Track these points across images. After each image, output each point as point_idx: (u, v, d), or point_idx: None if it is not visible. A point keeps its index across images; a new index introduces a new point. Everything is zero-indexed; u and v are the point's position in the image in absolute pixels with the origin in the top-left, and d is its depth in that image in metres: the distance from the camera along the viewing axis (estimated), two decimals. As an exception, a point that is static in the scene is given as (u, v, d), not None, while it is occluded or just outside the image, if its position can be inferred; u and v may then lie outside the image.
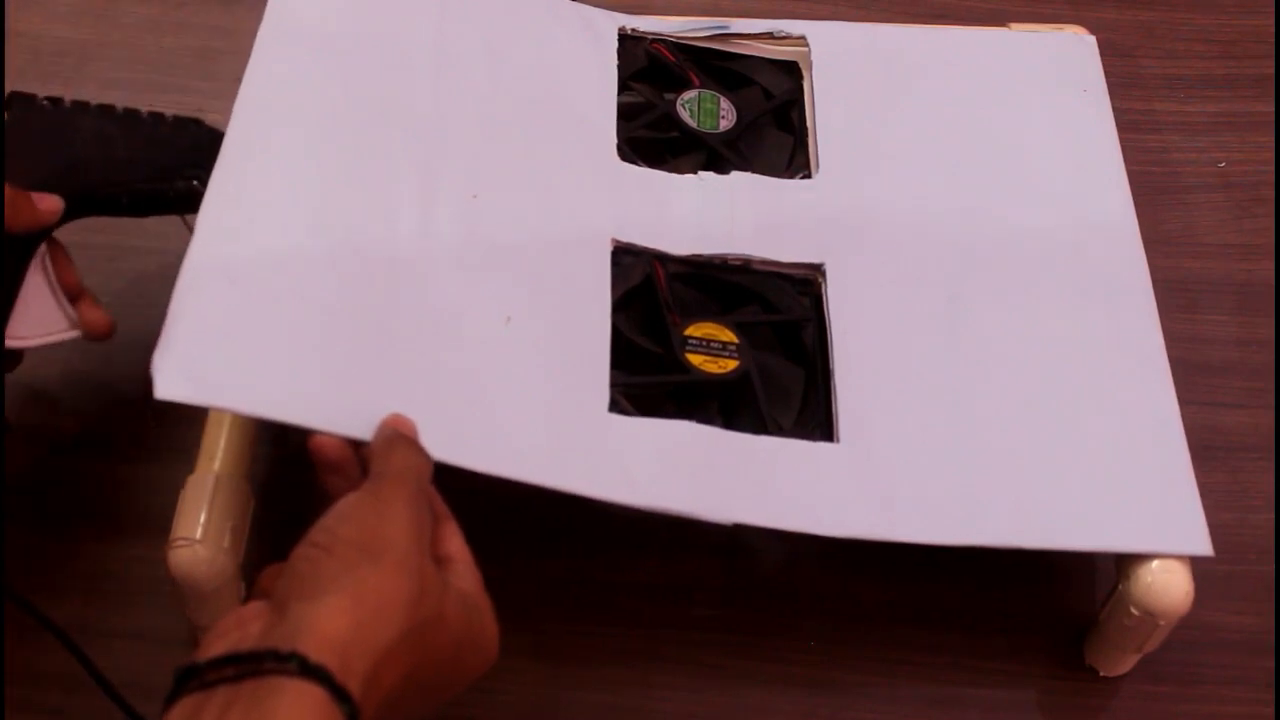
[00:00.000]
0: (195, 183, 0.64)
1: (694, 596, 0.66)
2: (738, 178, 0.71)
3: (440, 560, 0.49)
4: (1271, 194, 0.82)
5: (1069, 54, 0.78)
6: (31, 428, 0.69)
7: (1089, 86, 0.76)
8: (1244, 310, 0.78)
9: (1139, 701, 0.64)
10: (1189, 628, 0.61)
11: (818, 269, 0.68)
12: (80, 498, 0.68)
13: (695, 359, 0.65)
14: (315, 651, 0.41)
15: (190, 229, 0.58)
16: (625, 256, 0.67)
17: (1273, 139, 0.85)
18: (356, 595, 0.44)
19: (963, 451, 0.62)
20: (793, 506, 0.60)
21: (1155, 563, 0.60)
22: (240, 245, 0.58)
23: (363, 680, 0.42)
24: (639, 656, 0.64)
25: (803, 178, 0.72)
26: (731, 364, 0.65)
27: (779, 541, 0.62)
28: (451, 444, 0.54)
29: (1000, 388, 0.65)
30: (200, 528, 0.58)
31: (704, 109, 0.74)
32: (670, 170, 0.71)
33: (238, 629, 0.44)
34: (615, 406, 0.62)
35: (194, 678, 0.42)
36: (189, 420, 0.62)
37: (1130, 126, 0.79)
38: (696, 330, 0.66)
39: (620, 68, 0.75)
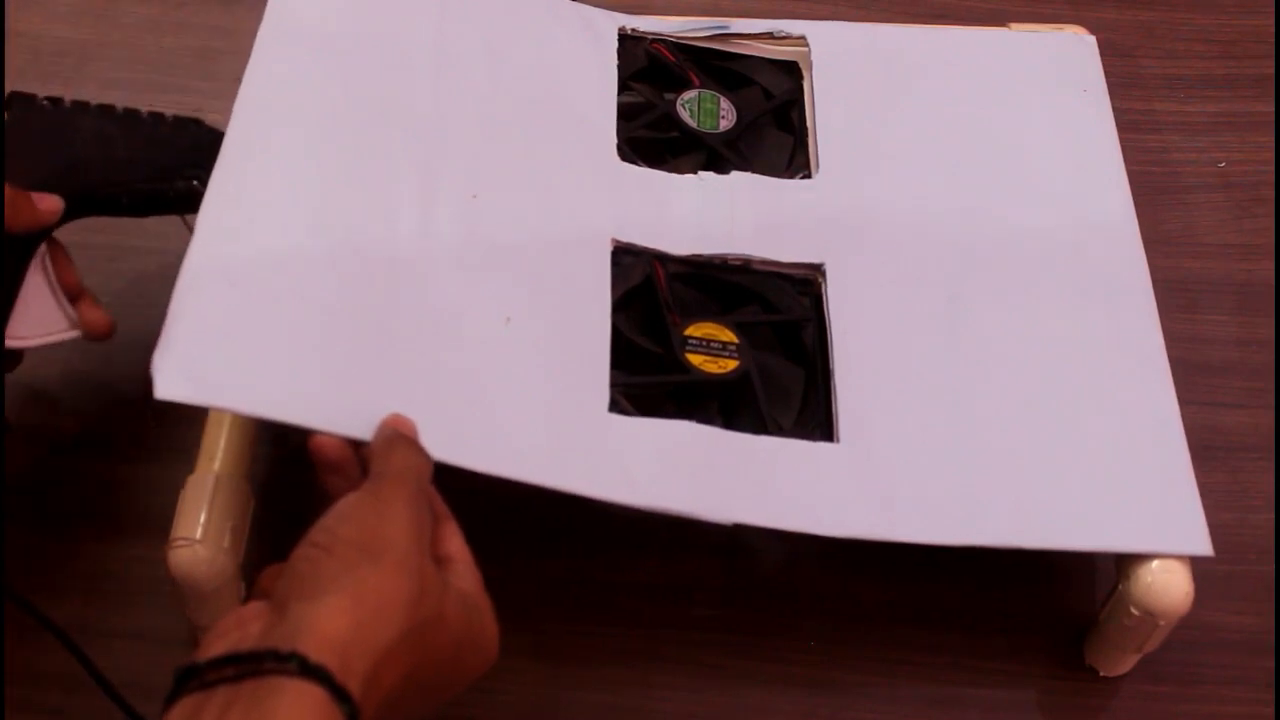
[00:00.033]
0: (195, 183, 0.64)
1: (694, 596, 0.66)
2: (738, 178, 0.71)
3: (440, 560, 0.49)
4: (1271, 194, 0.82)
5: (1069, 54, 0.78)
6: (31, 428, 0.69)
7: (1089, 86, 0.76)
8: (1244, 310, 0.78)
9: (1139, 701, 0.64)
10: (1189, 628, 0.61)
11: (818, 269, 0.68)
12: (80, 498, 0.68)
13: (695, 359, 0.65)
14: (315, 651, 0.41)
15: (190, 229, 0.58)
16: (625, 256, 0.67)
17: (1273, 139, 0.85)
18: (356, 595, 0.44)
19: (963, 451, 0.62)
20: (793, 506, 0.60)
21: (1155, 563, 0.60)
22: (240, 245, 0.58)
23: (363, 680, 0.42)
24: (639, 656, 0.64)
25: (803, 178, 0.72)
26: (731, 364, 0.65)
27: (779, 541, 0.62)
28: (451, 444, 0.54)
29: (1000, 388, 0.65)
30: (200, 528, 0.58)
31: (704, 109, 0.74)
32: (670, 170, 0.71)
33: (238, 629, 0.44)
34: (615, 406, 0.62)
35: (194, 678, 0.42)
36: (189, 420, 0.62)
37: (1130, 126, 0.79)
38: (696, 330, 0.66)
39: (620, 68, 0.75)
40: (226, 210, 0.59)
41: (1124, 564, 0.61)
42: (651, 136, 0.74)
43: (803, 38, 0.78)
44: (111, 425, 0.70)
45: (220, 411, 0.62)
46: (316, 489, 0.52)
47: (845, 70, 0.76)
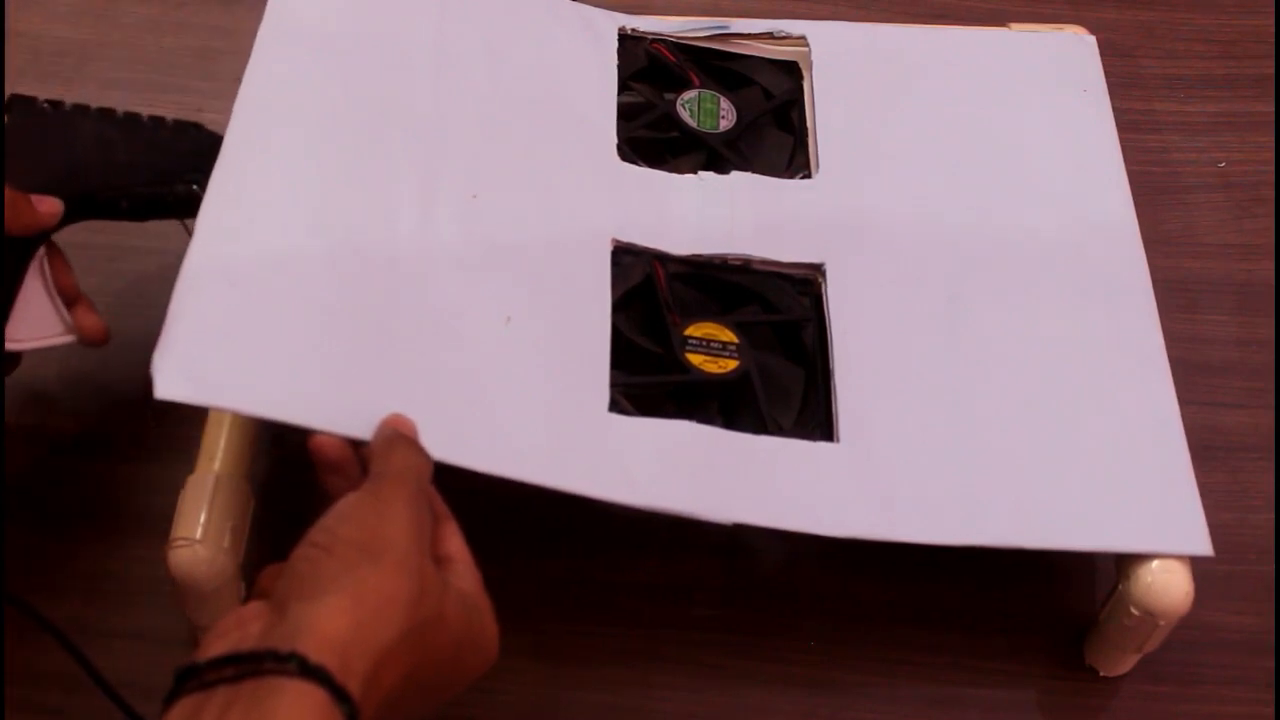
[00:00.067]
0: (195, 187, 0.64)
1: (694, 596, 0.66)
2: (738, 178, 0.71)
3: (440, 560, 0.49)
4: (1271, 194, 0.82)
5: (1069, 54, 0.78)
6: (31, 428, 0.69)
7: (1089, 86, 0.76)
8: (1244, 310, 0.78)
9: (1139, 701, 0.64)
10: (1189, 628, 0.61)
11: (818, 269, 0.68)
12: (80, 498, 0.68)
13: (695, 359, 0.65)
14: (315, 652, 0.41)
15: (190, 233, 0.58)
16: (625, 256, 0.67)
17: (1273, 139, 0.85)
18: (356, 595, 0.44)
19: (963, 451, 0.62)
20: (793, 506, 0.60)
21: (1155, 563, 0.60)
22: (240, 245, 0.58)
23: (362, 680, 0.42)
24: (639, 656, 0.64)
25: (803, 178, 0.72)
26: (731, 364, 0.65)
27: (779, 541, 0.62)
28: (451, 444, 0.54)
29: (1000, 388, 0.65)
30: (200, 528, 0.58)
31: (704, 109, 0.74)
32: (670, 170, 0.71)
33: (238, 629, 0.44)
34: (615, 406, 0.62)
35: (193, 678, 0.42)
36: (189, 420, 0.62)
37: (1130, 126, 0.79)
38: (696, 330, 0.66)
39: (620, 68, 0.75)
40: (226, 210, 0.59)
41: (1124, 564, 0.61)
42: (651, 136, 0.74)
43: (803, 38, 0.78)
44: (111, 425, 0.70)
45: (220, 411, 0.62)
46: (316, 489, 0.52)
47: (845, 70, 0.76)
